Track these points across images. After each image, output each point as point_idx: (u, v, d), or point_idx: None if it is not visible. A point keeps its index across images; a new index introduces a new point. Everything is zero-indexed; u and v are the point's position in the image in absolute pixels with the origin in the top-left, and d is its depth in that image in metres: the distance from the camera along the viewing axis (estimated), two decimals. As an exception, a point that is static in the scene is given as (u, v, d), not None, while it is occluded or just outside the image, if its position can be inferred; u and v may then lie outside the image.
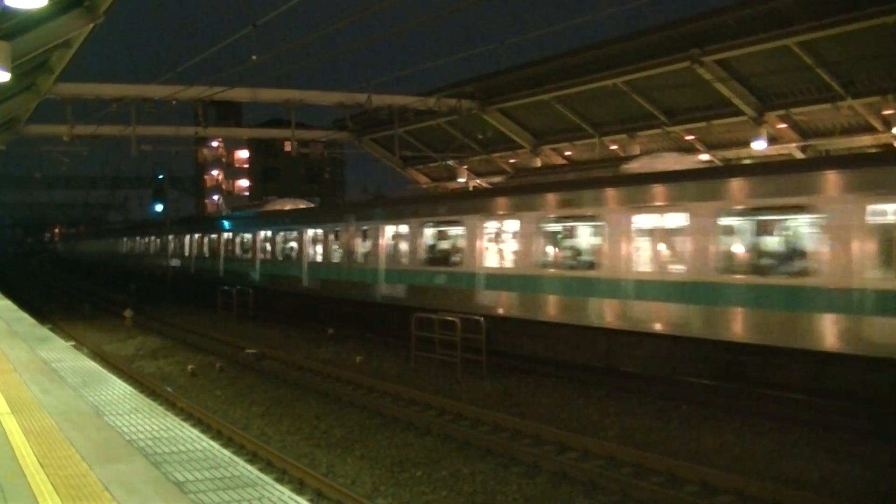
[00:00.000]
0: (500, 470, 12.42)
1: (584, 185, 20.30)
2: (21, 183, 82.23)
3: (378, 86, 34.99)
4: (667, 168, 19.45)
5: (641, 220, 18.31)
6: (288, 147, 42.38)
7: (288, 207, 39.12)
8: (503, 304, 21.76)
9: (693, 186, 17.50)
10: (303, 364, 22.48)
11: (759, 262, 16.48)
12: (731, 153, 30.90)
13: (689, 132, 31.11)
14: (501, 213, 22.52)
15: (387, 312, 26.83)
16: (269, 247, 36.30)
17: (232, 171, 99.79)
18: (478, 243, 22.74)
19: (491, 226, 22.72)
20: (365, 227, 28.57)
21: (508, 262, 22.09)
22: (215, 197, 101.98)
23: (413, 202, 30.69)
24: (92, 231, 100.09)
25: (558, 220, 20.69)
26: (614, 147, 34.00)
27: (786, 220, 16.14)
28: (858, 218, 14.24)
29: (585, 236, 20.31)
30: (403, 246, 26.40)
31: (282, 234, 35.23)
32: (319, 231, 32.26)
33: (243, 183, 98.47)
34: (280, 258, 35.21)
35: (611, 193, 18.94)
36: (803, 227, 15.76)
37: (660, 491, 11.10)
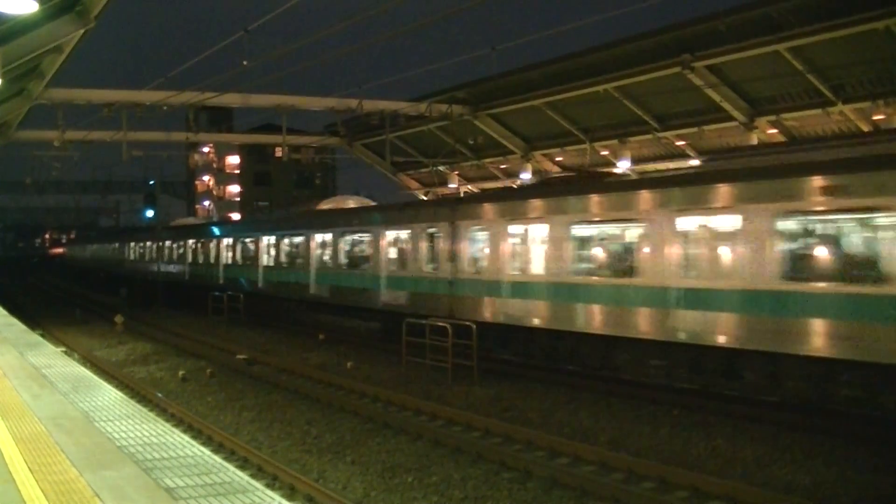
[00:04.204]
0: (492, 476, 12.41)
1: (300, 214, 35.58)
2: (12, 187, 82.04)
3: (369, 91, 34.91)
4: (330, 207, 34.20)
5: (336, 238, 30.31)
6: (279, 152, 42.52)
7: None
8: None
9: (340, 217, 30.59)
10: (294, 369, 22.45)
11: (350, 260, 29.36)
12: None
13: (681, 137, 31.20)
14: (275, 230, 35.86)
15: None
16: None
17: (223, 177, 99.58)
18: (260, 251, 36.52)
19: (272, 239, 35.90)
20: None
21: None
22: (206, 202, 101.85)
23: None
24: (117, 233, 78.55)
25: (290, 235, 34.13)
26: (605, 153, 34.08)
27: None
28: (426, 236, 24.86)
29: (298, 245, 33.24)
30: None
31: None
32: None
33: (234, 188, 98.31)
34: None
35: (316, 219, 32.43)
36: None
37: (651, 496, 11.11)
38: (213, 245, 42.28)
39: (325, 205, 35.28)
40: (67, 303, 51.04)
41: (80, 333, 32.26)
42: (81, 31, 17.35)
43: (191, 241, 45.96)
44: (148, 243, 55.15)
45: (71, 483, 6.98)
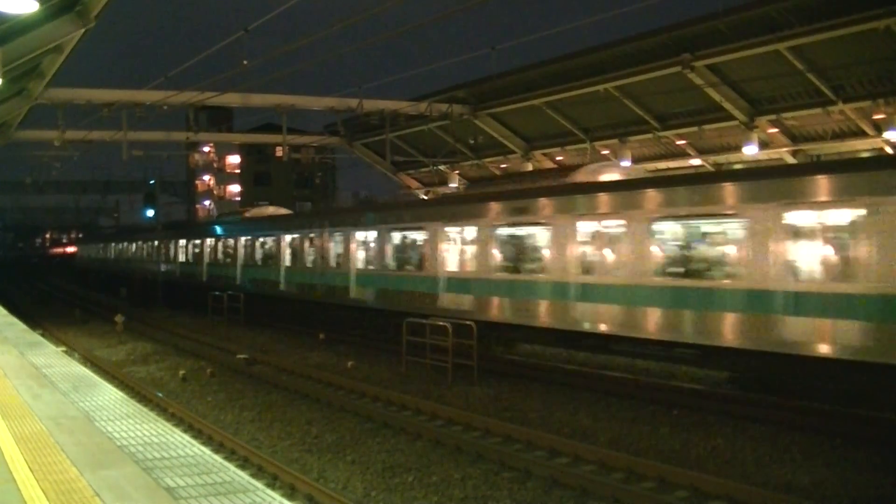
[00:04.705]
0: (492, 475, 12.40)
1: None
2: (12, 187, 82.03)
3: (370, 91, 35.09)
4: None
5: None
6: (279, 152, 42.41)
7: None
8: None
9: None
10: (294, 369, 22.43)
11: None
12: (721, 158, 31.03)
13: (681, 137, 31.21)
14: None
15: None
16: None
17: (223, 177, 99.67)
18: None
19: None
20: None
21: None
22: (206, 202, 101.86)
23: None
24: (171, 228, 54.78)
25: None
26: (605, 152, 34.08)
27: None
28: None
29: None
30: None
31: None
32: None
33: (235, 188, 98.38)
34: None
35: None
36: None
37: (651, 496, 11.10)
38: (360, 240, 27.97)
39: (586, 175, 20.81)
40: (68, 303, 51.05)
41: (81, 333, 32.27)
42: (81, 31, 17.35)
43: (312, 236, 31.25)
44: (223, 241, 39.73)
45: (71, 482, 6.98)
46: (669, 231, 17.77)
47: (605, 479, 11.87)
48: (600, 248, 18.89)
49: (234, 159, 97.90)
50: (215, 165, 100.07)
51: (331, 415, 16.94)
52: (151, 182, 68.14)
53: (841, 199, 14.31)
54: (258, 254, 36.04)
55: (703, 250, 17.24)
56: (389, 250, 26.10)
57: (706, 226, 17.22)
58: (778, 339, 14.97)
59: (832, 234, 14.75)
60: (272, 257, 34.44)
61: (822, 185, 14.71)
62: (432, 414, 16.58)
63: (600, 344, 18.67)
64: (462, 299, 22.29)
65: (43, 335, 24.36)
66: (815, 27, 22.59)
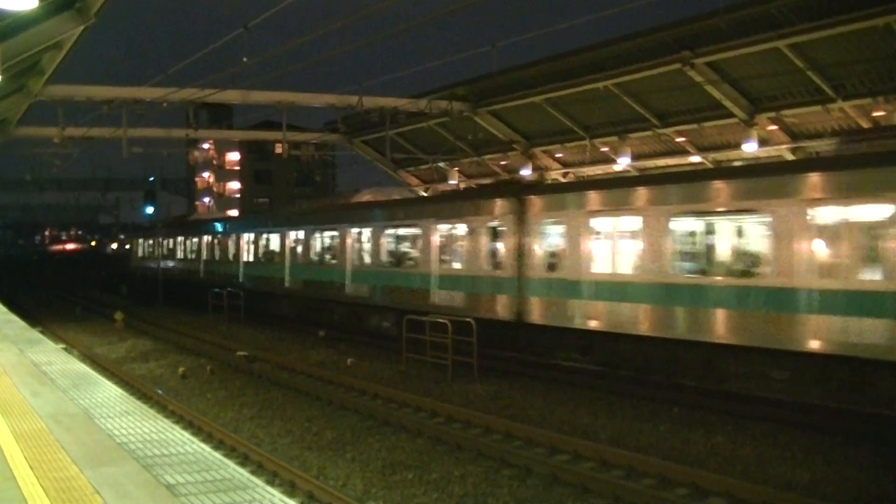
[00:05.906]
0: (492, 472, 12.40)
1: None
2: (11, 185, 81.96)
3: (369, 88, 35.14)
4: None
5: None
6: (279, 149, 42.34)
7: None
8: None
9: None
10: (294, 366, 22.44)
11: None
12: (721, 155, 31.01)
13: (681, 134, 31.19)
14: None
15: None
16: None
17: (223, 174, 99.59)
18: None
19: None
20: None
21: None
22: (206, 199, 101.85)
23: None
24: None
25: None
26: (605, 149, 34.07)
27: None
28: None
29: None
30: None
31: None
32: None
33: (234, 185, 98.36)
34: None
35: None
36: None
37: (651, 493, 11.10)
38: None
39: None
40: (68, 301, 51.04)
41: (80, 330, 32.27)
42: (81, 28, 17.34)
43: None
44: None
45: (71, 480, 6.98)
46: None
47: (605, 477, 11.87)
48: None
49: (233, 156, 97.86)
50: (215, 163, 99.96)
51: (331, 412, 16.95)
52: (151, 179, 68.11)
53: None
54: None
55: None
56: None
57: None
58: None
59: None
60: None
61: None
62: (432, 411, 16.58)
63: None
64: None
65: (42, 332, 24.34)
66: (815, 25, 22.57)
